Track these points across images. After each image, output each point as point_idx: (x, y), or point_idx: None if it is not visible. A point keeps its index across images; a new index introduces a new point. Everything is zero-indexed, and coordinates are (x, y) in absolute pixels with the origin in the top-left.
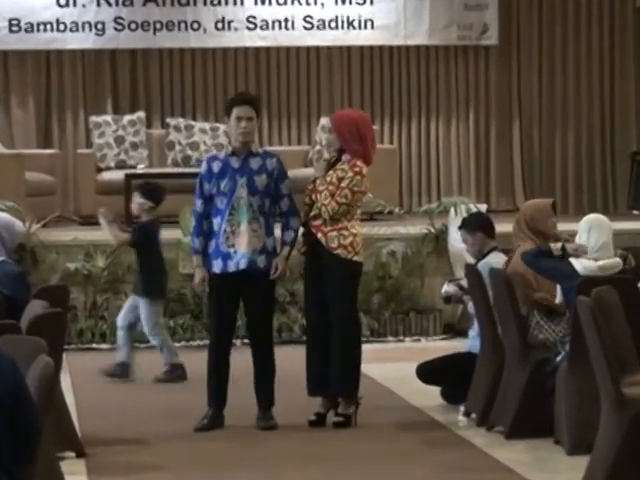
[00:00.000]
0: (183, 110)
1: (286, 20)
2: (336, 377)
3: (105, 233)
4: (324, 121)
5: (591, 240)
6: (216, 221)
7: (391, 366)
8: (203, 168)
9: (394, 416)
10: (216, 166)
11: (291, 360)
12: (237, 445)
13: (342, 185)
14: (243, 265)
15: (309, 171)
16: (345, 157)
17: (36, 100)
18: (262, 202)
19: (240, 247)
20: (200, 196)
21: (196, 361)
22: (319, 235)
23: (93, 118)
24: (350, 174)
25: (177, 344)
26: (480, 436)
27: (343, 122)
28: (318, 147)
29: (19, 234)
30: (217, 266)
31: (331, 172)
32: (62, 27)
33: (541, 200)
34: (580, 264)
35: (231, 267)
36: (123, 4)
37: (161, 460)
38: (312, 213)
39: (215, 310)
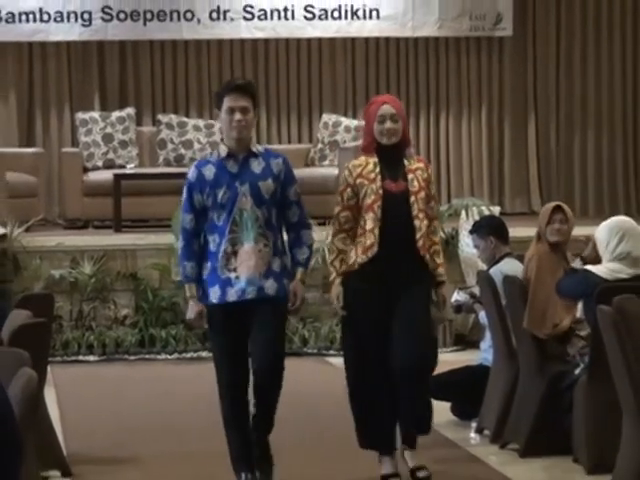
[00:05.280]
0: (175, 106)
1: (285, 10)
2: (417, 414)
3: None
4: (327, 118)
5: (620, 247)
6: (212, 239)
7: None
8: (192, 175)
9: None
10: (209, 172)
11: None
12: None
13: (432, 192)
14: (250, 295)
15: (310, 171)
16: (410, 152)
17: (18, 95)
18: (269, 214)
19: (244, 271)
20: (189, 210)
21: (190, 374)
22: (427, 257)
23: (79, 115)
24: (432, 176)
25: (169, 356)
26: (493, 454)
27: (402, 106)
28: (320, 145)
29: None
30: (214, 295)
31: (411, 175)
32: (46, 17)
33: (547, 205)
34: (605, 269)
35: (232, 296)
36: None
37: None
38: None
39: (220, 343)
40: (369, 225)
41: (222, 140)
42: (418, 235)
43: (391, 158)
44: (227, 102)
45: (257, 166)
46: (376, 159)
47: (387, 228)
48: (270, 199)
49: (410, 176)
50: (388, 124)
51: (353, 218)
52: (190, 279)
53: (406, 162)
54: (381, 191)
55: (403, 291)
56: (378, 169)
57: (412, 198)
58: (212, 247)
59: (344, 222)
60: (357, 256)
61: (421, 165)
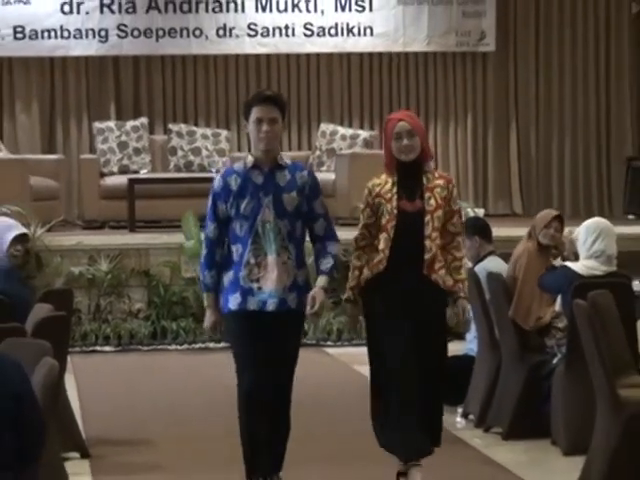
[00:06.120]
0: (185, 116)
1: (286, 27)
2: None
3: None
4: (324, 127)
5: (596, 246)
6: (235, 249)
7: None
8: (217, 184)
9: None
10: (234, 182)
11: None
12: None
13: (454, 208)
14: (272, 306)
15: None
16: (430, 167)
17: (40, 106)
18: (292, 226)
19: (267, 284)
20: (213, 219)
21: (199, 364)
22: (435, 277)
23: (96, 124)
24: (454, 192)
25: (179, 347)
26: (478, 437)
27: (418, 121)
28: (318, 153)
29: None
30: (234, 302)
31: (428, 194)
32: (66, 34)
33: (550, 210)
34: (582, 265)
35: (252, 305)
36: (126, 11)
37: (165, 461)
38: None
39: (240, 347)
40: (381, 245)
41: (250, 152)
42: (427, 256)
43: (410, 175)
44: (255, 113)
45: (282, 178)
46: (395, 178)
47: (398, 247)
48: (293, 212)
49: (427, 195)
50: (405, 141)
51: (370, 235)
52: (209, 288)
53: (425, 179)
54: (396, 211)
55: (407, 310)
56: (395, 189)
57: (427, 217)
58: (235, 257)
59: (360, 239)
60: (365, 272)
61: (441, 182)
